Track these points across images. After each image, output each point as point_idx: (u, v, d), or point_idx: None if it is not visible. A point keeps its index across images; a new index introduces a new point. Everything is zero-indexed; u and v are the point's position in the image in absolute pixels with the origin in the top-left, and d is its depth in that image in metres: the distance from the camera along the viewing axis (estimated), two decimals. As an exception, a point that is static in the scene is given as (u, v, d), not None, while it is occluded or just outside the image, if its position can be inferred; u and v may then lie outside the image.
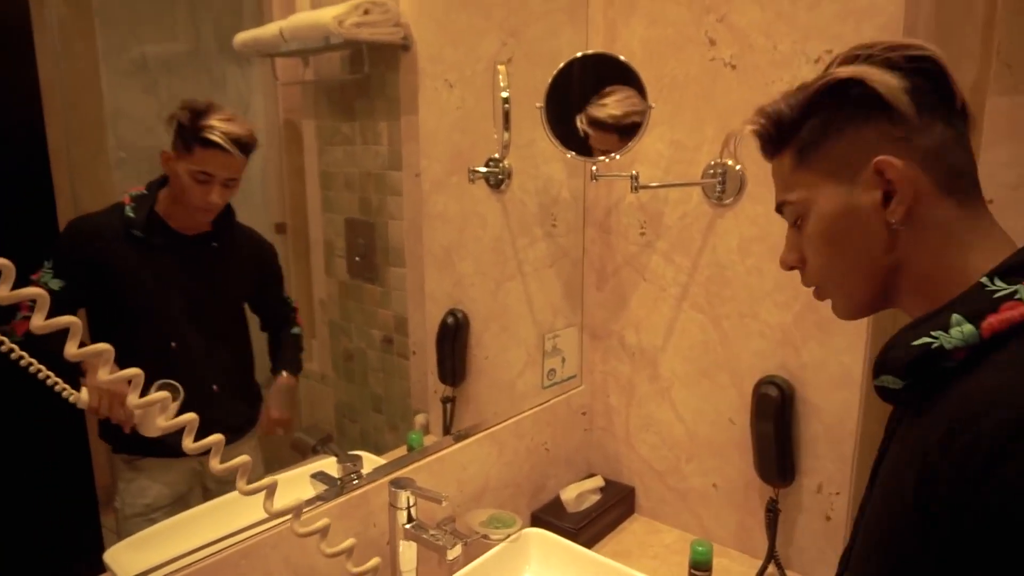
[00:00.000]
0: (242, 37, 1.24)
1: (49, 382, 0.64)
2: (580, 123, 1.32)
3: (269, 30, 1.27)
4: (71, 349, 0.62)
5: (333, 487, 1.10)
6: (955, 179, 0.64)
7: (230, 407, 1.17)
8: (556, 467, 1.55)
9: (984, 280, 0.59)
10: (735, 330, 1.36)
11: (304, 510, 0.79)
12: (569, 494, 1.47)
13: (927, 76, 0.64)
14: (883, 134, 0.64)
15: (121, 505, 1.06)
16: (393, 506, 1.08)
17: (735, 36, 1.26)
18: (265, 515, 0.99)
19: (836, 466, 1.28)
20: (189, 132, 1.02)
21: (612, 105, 1.30)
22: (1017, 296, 0.57)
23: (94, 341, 0.91)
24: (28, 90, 0.82)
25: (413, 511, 1.09)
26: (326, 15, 1.24)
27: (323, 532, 0.82)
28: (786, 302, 1.28)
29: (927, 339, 0.59)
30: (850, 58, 0.67)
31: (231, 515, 1.04)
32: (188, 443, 0.68)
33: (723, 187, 1.31)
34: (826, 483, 1.30)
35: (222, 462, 0.72)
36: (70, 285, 0.94)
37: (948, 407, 0.56)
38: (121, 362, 0.88)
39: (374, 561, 0.89)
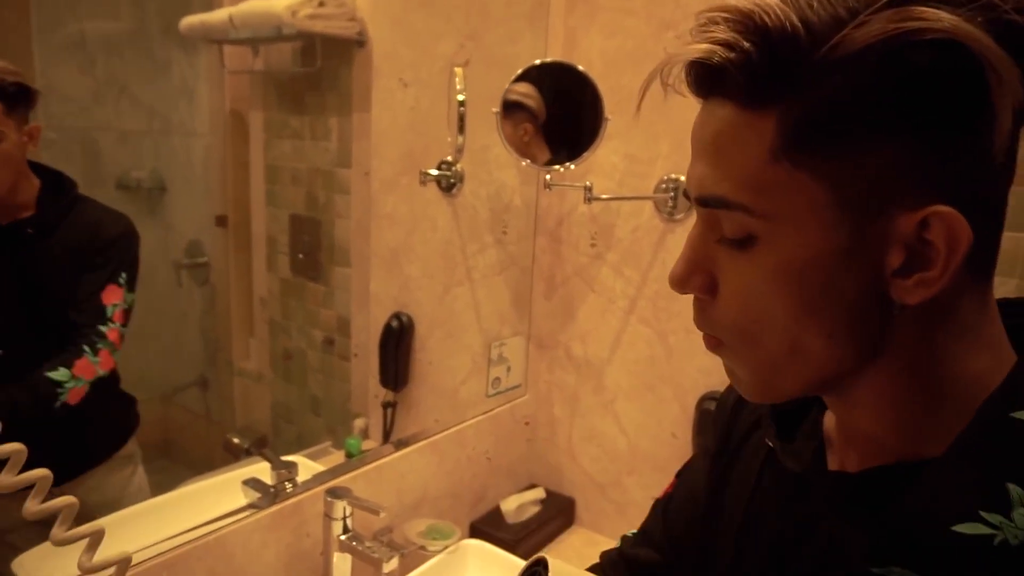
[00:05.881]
0: (189, 21, 1.21)
1: None
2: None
3: (218, 16, 1.24)
4: None
5: (266, 495, 1.06)
6: (991, 249, 0.43)
7: (78, 429, 0.99)
8: (497, 477, 1.54)
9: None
10: (681, 345, 1.36)
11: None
12: (509, 505, 1.45)
13: None
14: (951, 161, 0.38)
15: None
16: (328, 516, 1.05)
17: (693, 53, 1.26)
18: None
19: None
20: None
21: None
22: None
23: None
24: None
25: (349, 522, 1.06)
26: (279, 4, 1.21)
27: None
28: (732, 320, 1.28)
29: (981, 528, 0.39)
30: None
31: (148, 523, 1.00)
32: (6, 478, 0.52)
33: (675, 203, 1.32)
34: (763, 500, 1.31)
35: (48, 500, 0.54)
36: None
37: None
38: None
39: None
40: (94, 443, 1.04)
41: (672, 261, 1.40)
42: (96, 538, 0.55)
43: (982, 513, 0.39)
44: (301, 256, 1.43)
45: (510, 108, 1.28)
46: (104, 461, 1.04)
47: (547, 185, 1.27)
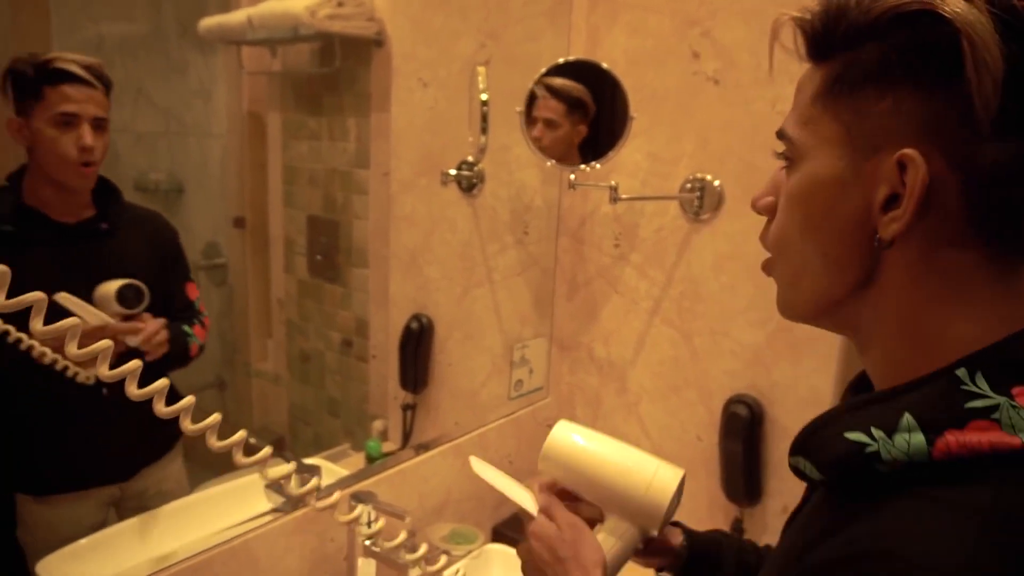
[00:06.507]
0: (207, 23, 1.20)
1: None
2: (536, 89, 1.29)
3: (237, 17, 1.23)
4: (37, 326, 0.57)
5: (290, 499, 1.05)
6: (1004, 222, 0.45)
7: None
8: (520, 480, 1.52)
9: (962, 374, 0.44)
10: (706, 347, 1.35)
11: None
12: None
13: None
14: (937, 119, 0.44)
15: (31, 539, 0.94)
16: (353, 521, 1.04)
17: (719, 51, 1.25)
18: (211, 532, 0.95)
19: (802, 488, 1.28)
20: (33, 76, 0.86)
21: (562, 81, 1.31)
22: (995, 416, 0.42)
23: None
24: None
25: (373, 526, 1.05)
26: (298, 4, 1.21)
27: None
28: (759, 321, 1.27)
29: (863, 437, 0.45)
30: None
31: (169, 528, 1.00)
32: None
33: (701, 202, 1.30)
34: (792, 504, 1.29)
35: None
36: None
37: (848, 536, 0.45)
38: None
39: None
40: (168, 431, 1.06)
41: (698, 262, 1.38)
42: (188, 408, 0.70)
43: (872, 428, 0.45)
44: (319, 257, 1.42)
45: (573, 107, 1.27)
46: (170, 450, 1.09)
47: (572, 185, 1.26)
